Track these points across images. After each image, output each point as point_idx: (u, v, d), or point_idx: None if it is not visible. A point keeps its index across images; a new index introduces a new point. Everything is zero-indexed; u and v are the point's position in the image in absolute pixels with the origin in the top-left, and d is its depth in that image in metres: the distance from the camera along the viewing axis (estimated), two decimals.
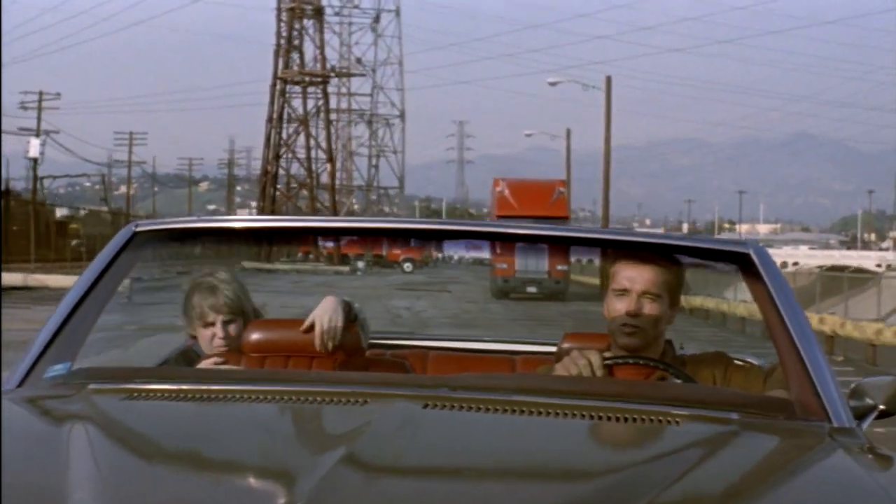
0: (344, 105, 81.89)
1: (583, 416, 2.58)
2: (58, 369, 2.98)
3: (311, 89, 71.16)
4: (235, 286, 3.95)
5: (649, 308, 3.41)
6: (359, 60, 78.29)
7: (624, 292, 3.43)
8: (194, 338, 3.98)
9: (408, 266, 61.41)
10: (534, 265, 36.63)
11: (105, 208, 70.35)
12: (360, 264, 57.66)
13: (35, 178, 59.72)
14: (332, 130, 74.56)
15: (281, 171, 71.17)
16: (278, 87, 71.09)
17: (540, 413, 2.57)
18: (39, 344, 3.02)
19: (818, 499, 2.23)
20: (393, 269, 60.71)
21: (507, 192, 41.53)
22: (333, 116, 76.61)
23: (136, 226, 3.33)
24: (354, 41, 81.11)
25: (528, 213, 38.13)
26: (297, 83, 71.53)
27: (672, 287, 3.46)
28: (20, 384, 2.93)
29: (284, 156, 71.09)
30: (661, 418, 2.57)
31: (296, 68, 69.38)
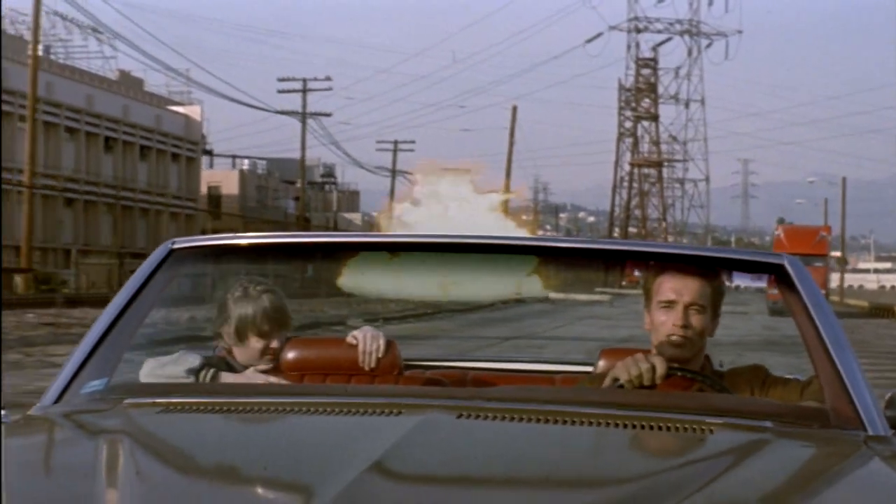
0: (665, 173, 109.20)
1: (615, 425, 2.56)
2: (95, 385, 2.94)
3: (648, 170, 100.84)
4: (282, 298, 3.86)
5: (696, 320, 3.39)
6: (674, 139, 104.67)
7: (670, 304, 3.40)
8: (227, 349, 3.81)
9: None
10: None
11: None
12: None
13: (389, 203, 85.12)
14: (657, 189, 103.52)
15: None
16: (627, 168, 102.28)
17: (573, 423, 2.55)
18: (76, 360, 2.99)
19: None
20: None
21: (782, 235, 52.08)
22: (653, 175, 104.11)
23: (174, 242, 3.29)
24: (670, 122, 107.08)
25: (795, 251, 44.28)
26: (640, 165, 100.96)
27: (715, 299, 3.44)
28: (57, 400, 2.90)
29: (632, 214, 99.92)
30: (693, 427, 2.54)
31: (635, 154, 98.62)
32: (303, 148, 62.13)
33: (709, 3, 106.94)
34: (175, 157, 63.81)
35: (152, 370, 3.55)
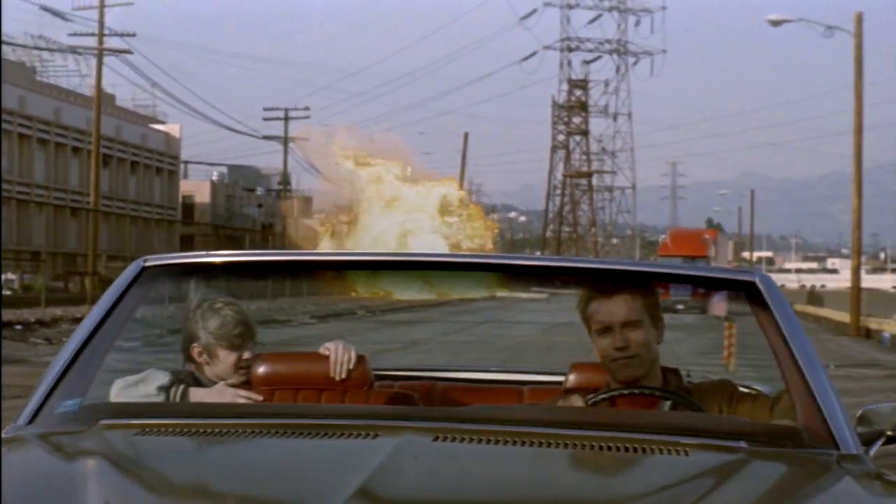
0: (595, 181, 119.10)
1: (591, 447, 2.57)
2: (69, 405, 2.93)
3: (580, 180, 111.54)
4: (244, 310, 3.91)
5: (634, 336, 3.36)
6: (603, 150, 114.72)
7: (606, 329, 3.38)
8: (197, 366, 3.84)
9: None
10: (681, 293, 37.79)
11: None
12: None
13: None
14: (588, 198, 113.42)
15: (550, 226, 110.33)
16: (559, 178, 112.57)
17: (549, 444, 2.55)
18: (50, 380, 2.97)
19: None
20: None
21: (668, 239, 57.77)
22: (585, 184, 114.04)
23: (145, 260, 3.27)
24: (600, 133, 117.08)
25: (678, 253, 50.18)
26: (572, 176, 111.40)
27: (650, 307, 3.42)
28: (31, 420, 2.88)
29: (565, 220, 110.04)
30: (668, 448, 2.56)
31: (567, 165, 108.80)
32: (284, 168, 70.48)
33: (635, 24, 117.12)
34: (158, 170, 71.29)
35: (122, 390, 3.56)
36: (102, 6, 44.39)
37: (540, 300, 58.63)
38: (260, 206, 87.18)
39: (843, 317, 38.42)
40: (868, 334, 33.79)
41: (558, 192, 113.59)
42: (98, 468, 2.42)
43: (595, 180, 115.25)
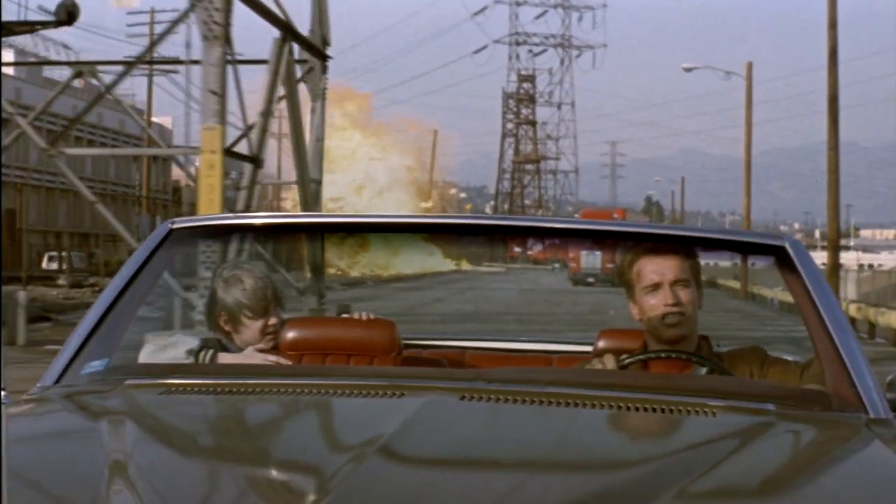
0: (541, 164, 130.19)
1: (619, 407, 2.55)
2: (95, 365, 2.94)
3: (527, 165, 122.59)
4: (269, 275, 3.91)
5: (684, 295, 3.39)
6: (548, 136, 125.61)
7: (656, 286, 3.39)
8: (226, 333, 3.85)
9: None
10: (592, 263, 49.55)
11: None
12: (556, 265, 76.37)
13: None
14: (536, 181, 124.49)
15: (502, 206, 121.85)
16: (510, 165, 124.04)
17: (576, 405, 2.54)
18: (77, 340, 2.99)
19: (854, 488, 2.19)
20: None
21: (578, 218, 58.05)
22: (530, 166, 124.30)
23: (173, 223, 3.28)
24: (544, 121, 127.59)
25: None
26: (521, 162, 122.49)
27: (695, 271, 3.44)
28: (58, 380, 2.90)
29: (516, 201, 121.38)
30: (696, 409, 2.54)
31: (517, 152, 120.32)
32: (279, 161, 79.22)
33: (578, 19, 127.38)
34: (154, 159, 79.64)
35: (151, 353, 3.57)
36: (152, 33, 52.80)
37: (499, 273, 68.08)
38: (237, 188, 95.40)
39: (737, 285, 48.29)
40: (754, 298, 42.54)
41: (507, 175, 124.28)
42: (123, 426, 2.44)
43: (541, 165, 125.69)
